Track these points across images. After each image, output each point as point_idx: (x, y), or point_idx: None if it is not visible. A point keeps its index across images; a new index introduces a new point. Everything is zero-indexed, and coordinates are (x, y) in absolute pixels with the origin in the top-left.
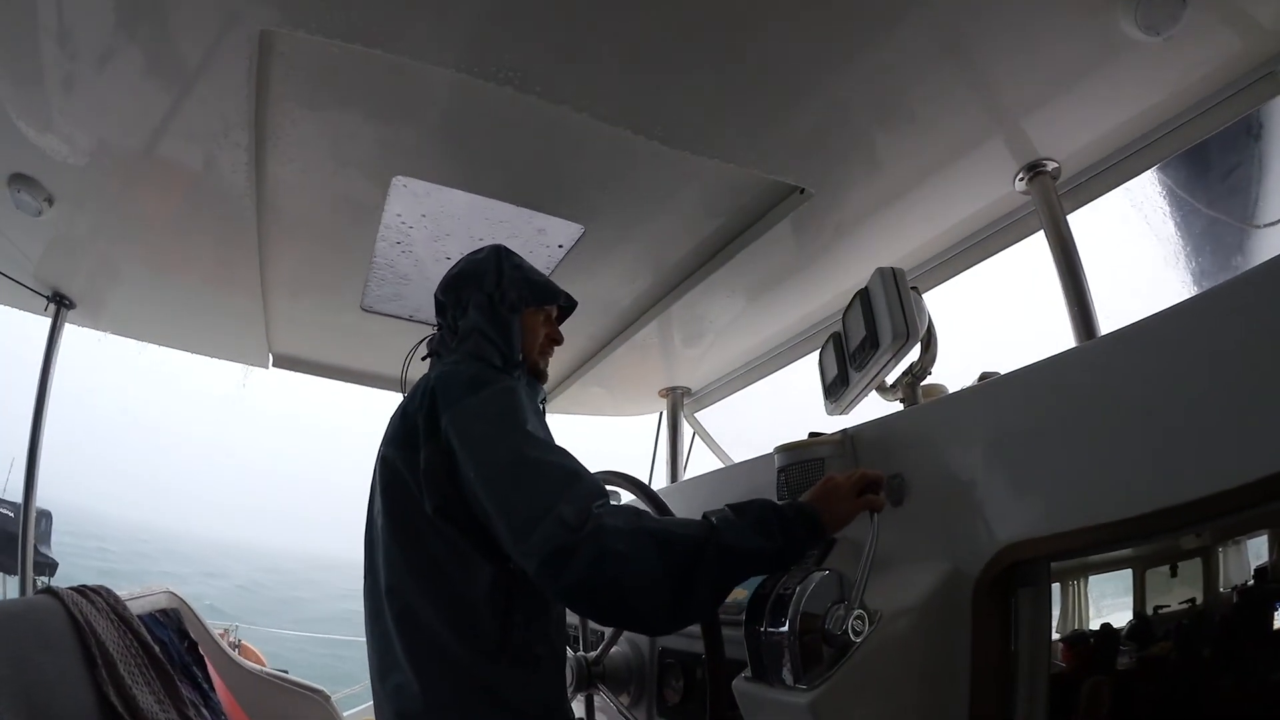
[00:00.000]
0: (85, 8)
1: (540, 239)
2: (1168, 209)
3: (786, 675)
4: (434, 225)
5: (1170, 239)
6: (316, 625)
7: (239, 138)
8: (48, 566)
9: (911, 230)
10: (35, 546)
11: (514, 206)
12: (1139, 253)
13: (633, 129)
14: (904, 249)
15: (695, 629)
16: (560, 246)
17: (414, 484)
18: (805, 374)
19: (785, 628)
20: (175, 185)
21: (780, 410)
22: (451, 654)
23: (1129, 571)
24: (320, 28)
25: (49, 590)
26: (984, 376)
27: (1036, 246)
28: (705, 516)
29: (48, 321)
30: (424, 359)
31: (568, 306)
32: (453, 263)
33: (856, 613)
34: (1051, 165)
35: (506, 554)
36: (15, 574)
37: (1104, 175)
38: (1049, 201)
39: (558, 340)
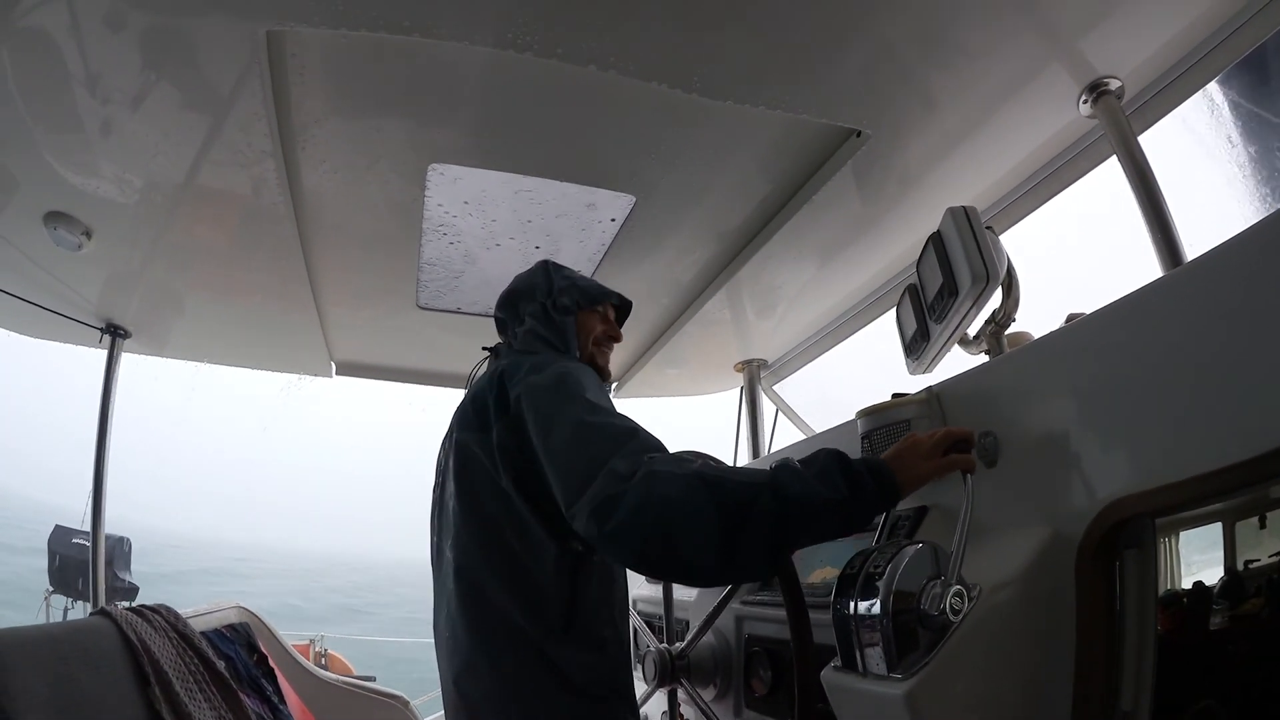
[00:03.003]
0: (101, 55)
1: (591, 215)
2: (1238, 123)
3: (879, 663)
4: (479, 211)
5: (1246, 155)
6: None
7: (265, 149)
8: (128, 592)
9: (978, 170)
10: (114, 571)
11: (559, 183)
12: (1214, 174)
13: (671, 83)
14: (973, 190)
15: (781, 614)
16: (613, 220)
17: (489, 462)
18: (885, 334)
19: (877, 609)
20: (214, 208)
21: (863, 375)
22: (519, 633)
23: (1254, 518)
24: (323, 19)
25: (102, 611)
26: (1071, 318)
27: (1110, 175)
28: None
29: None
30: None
31: (623, 307)
32: (503, 249)
33: (954, 589)
34: (1115, 84)
35: (570, 531)
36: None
37: (1169, 90)
38: (1117, 122)
39: (616, 337)
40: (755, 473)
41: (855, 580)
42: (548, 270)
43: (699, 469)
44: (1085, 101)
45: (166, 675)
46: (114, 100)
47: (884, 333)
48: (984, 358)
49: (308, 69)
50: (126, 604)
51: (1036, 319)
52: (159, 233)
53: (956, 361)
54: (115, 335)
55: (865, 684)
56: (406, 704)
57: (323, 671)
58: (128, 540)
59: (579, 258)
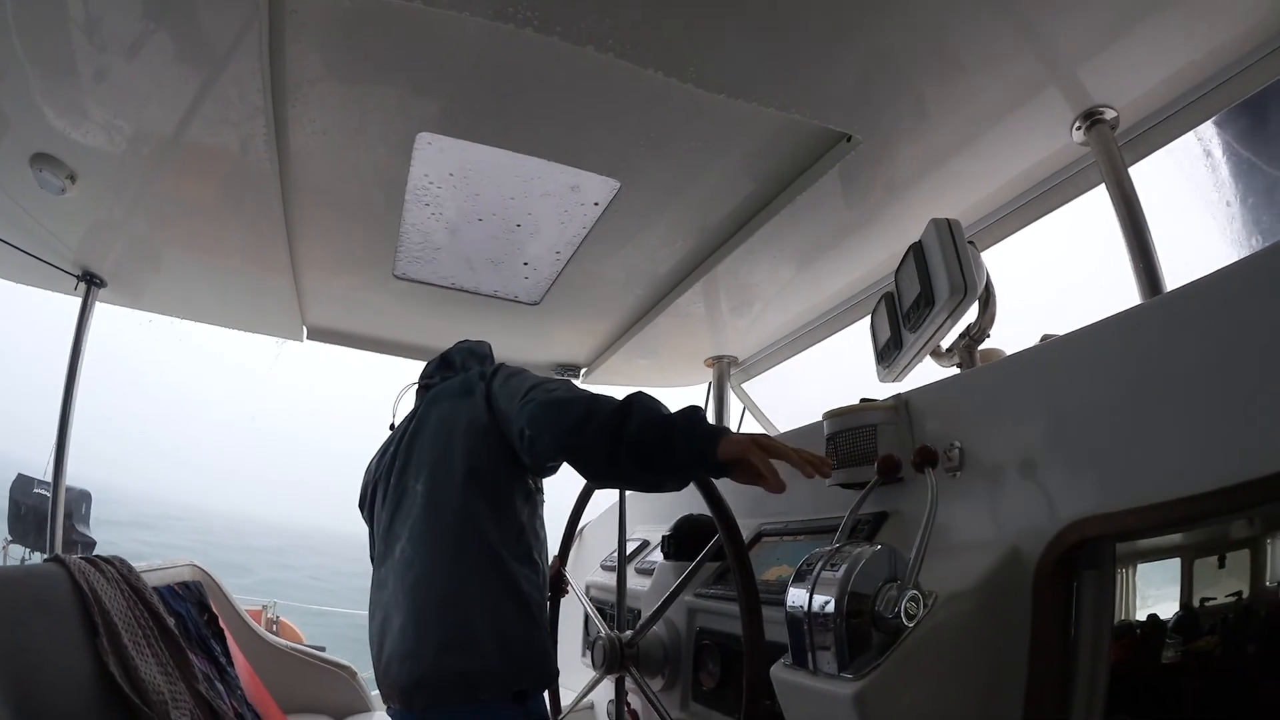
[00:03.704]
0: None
1: (574, 196)
2: (1229, 165)
3: (830, 662)
4: (463, 184)
5: (1232, 196)
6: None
7: (258, 106)
8: (86, 546)
9: (965, 185)
10: (73, 524)
11: (546, 162)
12: (1200, 210)
13: (667, 72)
14: (959, 205)
15: (734, 608)
16: (596, 204)
17: (472, 416)
18: (857, 340)
19: (831, 608)
20: (200, 163)
21: (832, 379)
22: (484, 540)
23: (1213, 557)
24: None
25: (55, 558)
26: (1045, 339)
27: (1096, 201)
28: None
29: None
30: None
31: None
32: (485, 224)
33: (910, 593)
34: (1110, 114)
35: (527, 470)
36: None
37: (1164, 125)
38: (1109, 151)
39: None
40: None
41: (810, 577)
42: (486, 348)
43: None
44: (1079, 128)
45: (115, 627)
46: (110, 47)
47: (856, 339)
48: (955, 370)
49: (306, 28)
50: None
51: (1010, 337)
52: (143, 183)
53: (926, 372)
54: (91, 284)
55: (815, 682)
56: (354, 675)
57: (273, 637)
58: (88, 494)
59: (559, 239)
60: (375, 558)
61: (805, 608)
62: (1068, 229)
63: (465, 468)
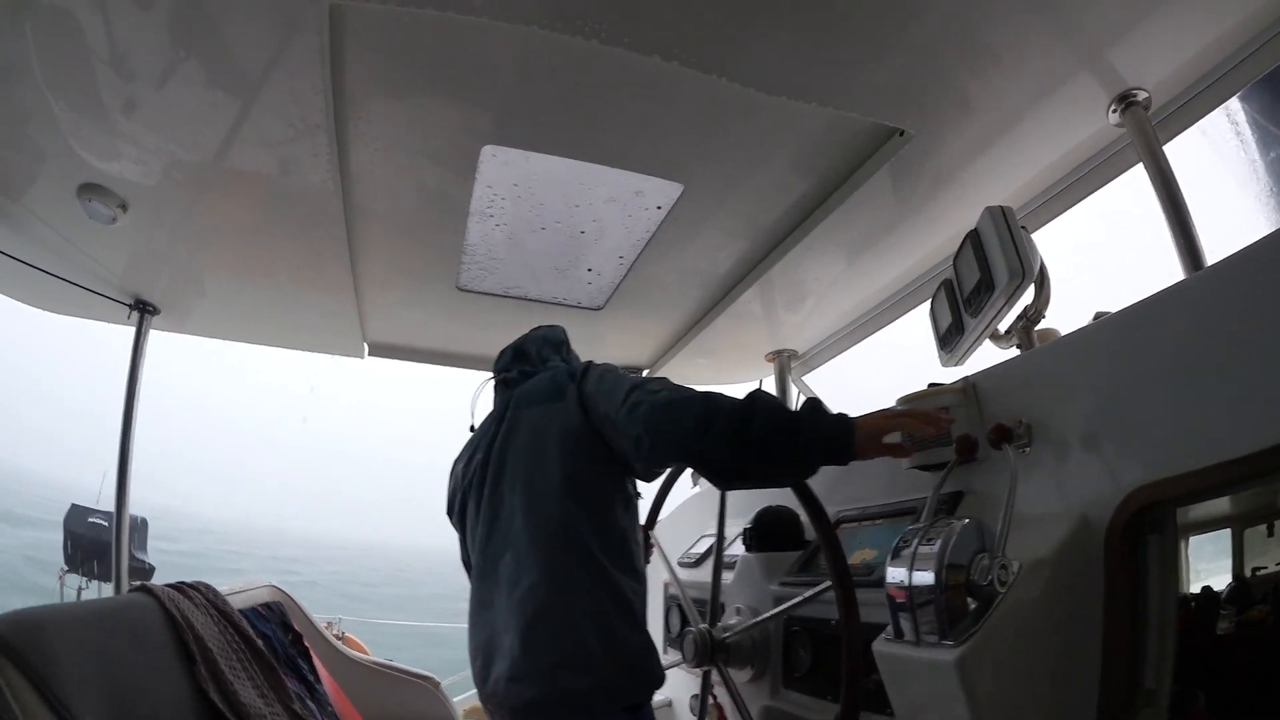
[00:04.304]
0: (142, 24)
1: (638, 201)
2: (1257, 138)
3: (930, 633)
4: (527, 194)
5: (1262, 167)
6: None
7: (318, 129)
8: (145, 572)
9: (1010, 172)
10: (131, 551)
11: (610, 168)
12: (1233, 183)
13: (728, 77)
14: (1005, 191)
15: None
16: (659, 208)
17: (566, 422)
18: (912, 329)
19: (931, 579)
20: (258, 185)
21: (886, 369)
22: (586, 554)
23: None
24: None
25: (143, 587)
26: (1099, 316)
27: (1135, 180)
28: None
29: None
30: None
31: None
32: (548, 233)
33: (1001, 562)
34: (1142, 95)
35: (628, 473)
36: (106, 581)
37: (1195, 101)
38: (1144, 132)
39: None
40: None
41: (908, 553)
42: (561, 333)
43: (711, 391)
44: (1114, 111)
45: (211, 653)
46: (163, 74)
47: (911, 328)
48: (1015, 351)
49: (367, 45)
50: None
51: (1063, 316)
52: (198, 208)
53: (984, 356)
54: (144, 311)
55: (917, 652)
56: (437, 685)
57: (353, 651)
58: (145, 520)
59: (622, 244)
60: (474, 572)
61: (906, 582)
62: (1112, 205)
63: (563, 478)
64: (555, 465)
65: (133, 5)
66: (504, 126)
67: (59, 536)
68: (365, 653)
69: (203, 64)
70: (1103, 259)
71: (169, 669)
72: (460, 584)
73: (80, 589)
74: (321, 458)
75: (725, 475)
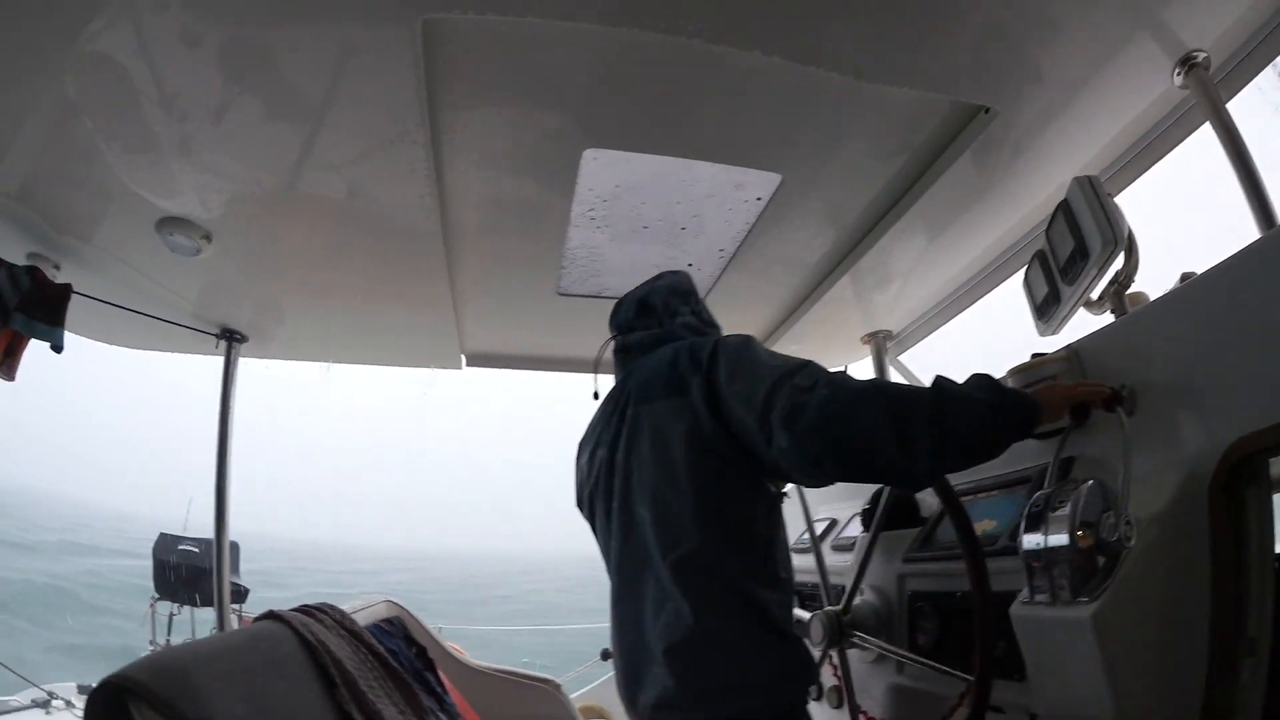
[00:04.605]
0: (242, 53)
1: (738, 194)
2: None
3: (1065, 590)
4: (629, 195)
5: None
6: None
7: (413, 146)
8: (239, 594)
9: (1085, 141)
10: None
11: (709, 163)
12: None
13: (825, 67)
14: (1080, 160)
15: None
16: (759, 199)
17: (689, 420)
18: (999, 302)
19: (1065, 540)
20: (352, 206)
21: (973, 343)
22: (727, 577)
23: None
24: (485, 4)
25: (271, 614)
26: (1185, 277)
27: (1205, 140)
28: None
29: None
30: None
31: None
32: (650, 231)
33: (1126, 518)
34: (1201, 55)
35: (766, 472)
36: (202, 605)
37: (1252, 57)
38: (1207, 94)
39: None
40: (907, 384)
41: (1043, 516)
42: (687, 281)
43: (871, 380)
44: (1178, 74)
45: (350, 675)
46: (238, 104)
47: (996, 302)
48: (1108, 317)
49: (461, 58)
50: (238, 609)
51: (1147, 277)
52: (283, 233)
53: (1075, 323)
54: (231, 340)
55: (1053, 611)
56: (558, 687)
57: (474, 660)
58: (237, 544)
59: (723, 237)
60: (614, 579)
61: (1043, 545)
62: (1187, 166)
63: (696, 503)
64: (685, 484)
65: (255, 25)
66: (604, 129)
67: (113, 562)
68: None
69: (288, 91)
70: (1179, 219)
71: (311, 695)
72: (522, 586)
73: (171, 615)
74: (387, 471)
75: (915, 484)
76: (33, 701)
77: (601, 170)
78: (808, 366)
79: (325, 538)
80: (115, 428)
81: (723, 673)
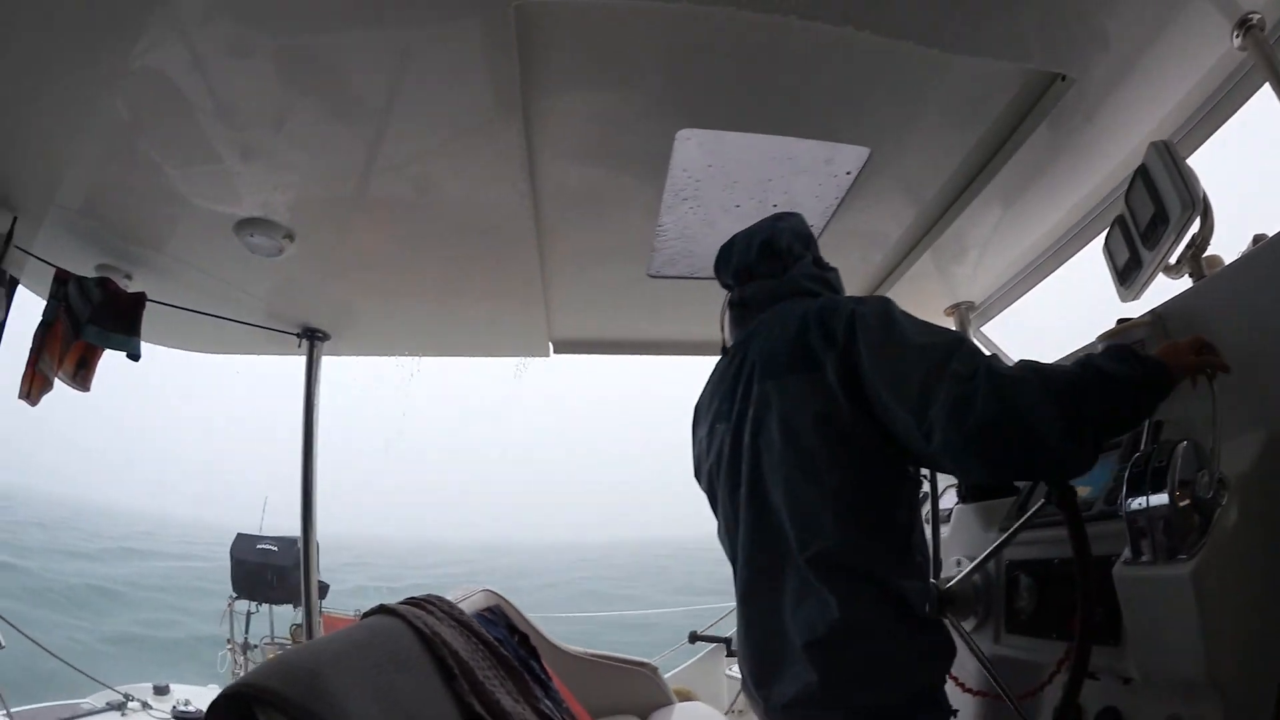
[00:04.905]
0: (335, 49)
1: (828, 169)
2: None
3: (1165, 549)
4: (721, 173)
5: None
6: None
7: (506, 136)
8: (321, 591)
9: (1151, 105)
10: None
11: (800, 140)
12: None
13: (916, 40)
14: (1148, 125)
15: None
16: (848, 173)
17: (824, 400)
18: (1078, 269)
19: (1165, 500)
20: (442, 198)
21: (1050, 311)
22: (870, 570)
23: None
24: None
25: (382, 609)
26: (1258, 239)
27: (1269, 102)
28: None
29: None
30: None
31: None
32: (742, 210)
33: (1220, 476)
34: (1256, 17)
35: (905, 455)
36: (279, 604)
37: None
38: (1264, 54)
39: None
40: (1059, 366)
41: (1144, 477)
42: (805, 223)
43: (1025, 365)
44: (1236, 35)
45: (468, 665)
46: (327, 101)
47: (1075, 269)
48: (1186, 281)
49: (553, 43)
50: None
51: (1220, 240)
52: (367, 229)
53: (1152, 288)
54: (314, 339)
55: (1155, 570)
56: (654, 670)
57: (571, 647)
58: (317, 542)
59: (813, 213)
60: (743, 568)
61: (1145, 505)
62: (1246, 129)
63: (832, 487)
64: (821, 476)
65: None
66: (697, 108)
67: (168, 564)
68: None
69: (400, 79)
70: (1246, 181)
71: (432, 688)
72: (570, 575)
73: (250, 613)
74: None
75: (1076, 475)
76: (107, 704)
77: (694, 150)
78: (962, 346)
79: (391, 534)
80: (180, 441)
81: (865, 664)
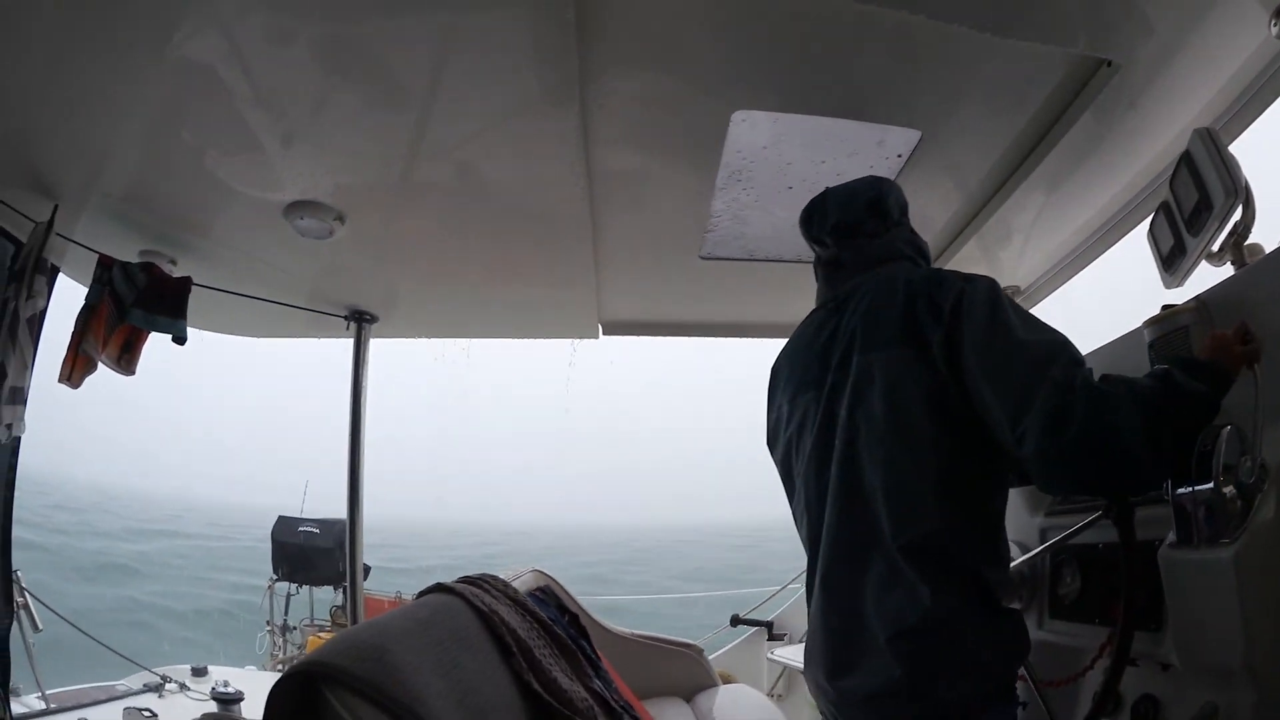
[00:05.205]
0: (383, 34)
1: (880, 151)
2: None
3: (1208, 533)
4: (775, 155)
5: None
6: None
7: (562, 118)
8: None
9: (1193, 93)
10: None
11: (853, 121)
12: None
13: (969, 25)
14: (1190, 113)
15: (1084, 517)
16: (899, 156)
17: (928, 378)
18: (1116, 256)
19: (1210, 484)
20: (485, 185)
21: (1090, 300)
22: (962, 559)
23: None
24: None
25: (439, 587)
26: None
27: None
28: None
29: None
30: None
31: None
32: (794, 192)
33: (1261, 461)
34: None
35: (1000, 449)
36: (320, 586)
37: None
38: None
39: None
40: (1143, 379)
41: (1189, 461)
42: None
43: (1115, 380)
44: (1274, 24)
45: (526, 643)
46: (376, 86)
47: (1118, 254)
48: (1227, 269)
49: (611, 25)
50: None
51: (1260, 229)
52: (418, 211)
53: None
54: (362, 321)
55: (1198, 554)
56: (700, 651)
57: (617, 627)
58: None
59: None
60: (825, 564)
61: (1190, 489)
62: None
63: (938, 469)
64: (928, 456)
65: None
66: (754, 90)
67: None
68: None
69: (453, 57)
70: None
71: (492, 665)
72: (572, 559)
73: (289, 595)
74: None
75: (1149, 490)
76: (144, 685)
77: (749, 132)
78: (1064, 351)
79: (422, 516)
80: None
81: (952, 658)
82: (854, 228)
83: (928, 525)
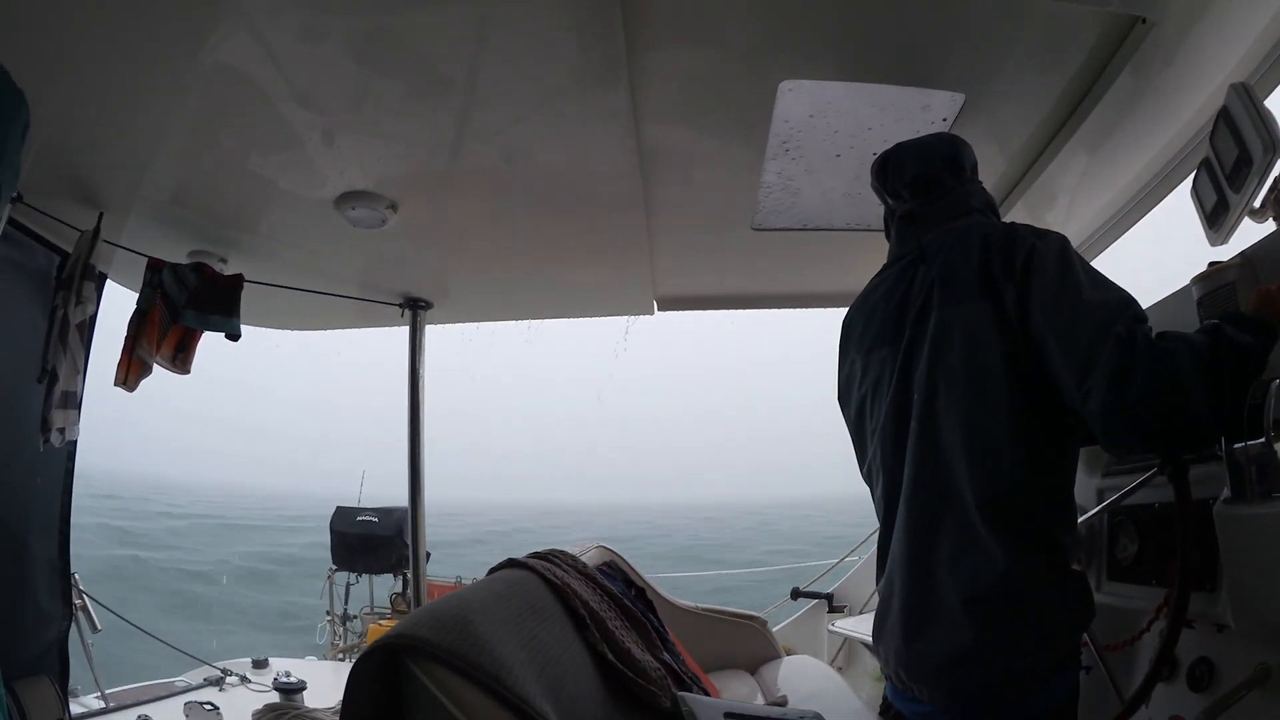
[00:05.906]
0: (423, 22)
1: (925, 116)
2: None
3: (1261, 488)
4: (823, 123)
5: None
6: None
7: (612, 96)
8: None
9: (1227, 47)
10: (404, 540)
11: (898, 87)
12: None
13: None
14: (1225, 68)
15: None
16: (944, 120)
17: (999, 332)
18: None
19: (1261, 438)
20: (538, 166)
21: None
22: (1038, 521)
23: None
24: None
25: (511, 562)
26: None
27: None
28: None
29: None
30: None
31: None
32: (842, 159)
33: None
34: None
35: (1069, 408)
36: (379, 574)
37: None
38: None
39: None
40: (1197, 333)
41: (1241, 416)
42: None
43: (1172, 335)
44: None
45: (599, 615)
46: (426, 73)
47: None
48: (1270, 225)
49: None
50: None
51: None
52: (471, 196)
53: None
54: (416, 308)
55: (1252, 509)
56: (764, 623)
57: (682, 601)
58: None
59: None
60: (901, 524)
61: (1244, 444)
62: None
63: (1019, 427)
64: (1006, 413)
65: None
66: (800, 58)
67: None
68: None
69: (499, 41)
70: None
71: (567, 637)
72: (570, 535)
73: (349, 584)
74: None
75: (1206, 447)
76: (205, 680)
77: (796, 101)
78: (1128, 309)
79: (454, 496)
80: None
81: (1024, 623)
82: (932, 180)
83: (1007, 484)
